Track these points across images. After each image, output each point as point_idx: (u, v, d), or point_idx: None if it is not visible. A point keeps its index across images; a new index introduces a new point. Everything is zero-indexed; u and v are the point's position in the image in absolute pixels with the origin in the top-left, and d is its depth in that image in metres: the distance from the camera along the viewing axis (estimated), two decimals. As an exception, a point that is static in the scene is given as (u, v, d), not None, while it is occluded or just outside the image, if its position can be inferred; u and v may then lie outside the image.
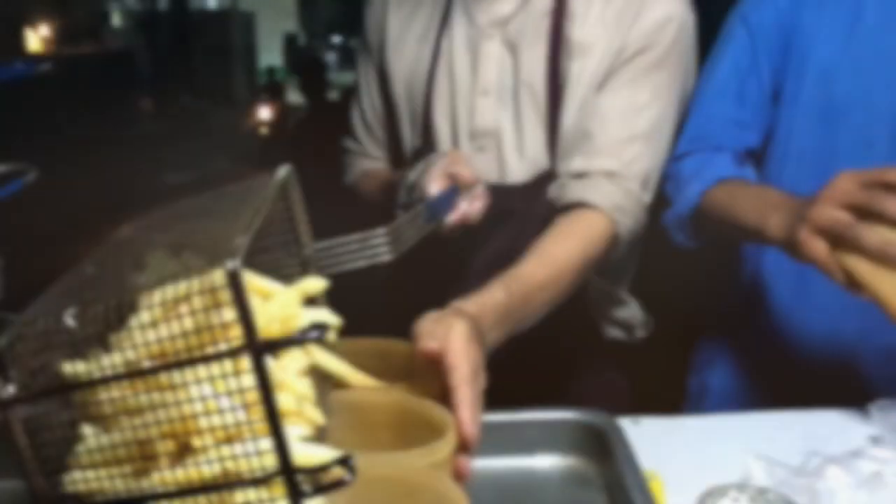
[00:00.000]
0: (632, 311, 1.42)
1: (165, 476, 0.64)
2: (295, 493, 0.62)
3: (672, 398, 1.54)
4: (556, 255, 1.14)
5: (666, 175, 1.34)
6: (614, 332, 1.42)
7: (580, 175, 1.24)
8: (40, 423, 0.67)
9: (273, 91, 8.70)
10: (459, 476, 0.83)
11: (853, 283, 1.04)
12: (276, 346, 0.62)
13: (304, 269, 0.97)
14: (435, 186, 1.18)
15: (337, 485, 0.63)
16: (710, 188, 1.29)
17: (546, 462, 1.08)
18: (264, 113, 7.86)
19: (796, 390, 1.34)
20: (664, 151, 1.30)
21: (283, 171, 0.88)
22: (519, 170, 1.29)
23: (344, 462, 0.63)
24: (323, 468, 0.63)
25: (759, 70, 1.34)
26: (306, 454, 0.65)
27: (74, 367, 0.66)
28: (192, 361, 0.64)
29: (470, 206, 1.21)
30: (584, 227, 1.20)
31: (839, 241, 1.04)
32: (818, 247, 1.05)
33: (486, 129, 1.30)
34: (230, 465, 0.63)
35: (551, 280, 1.12)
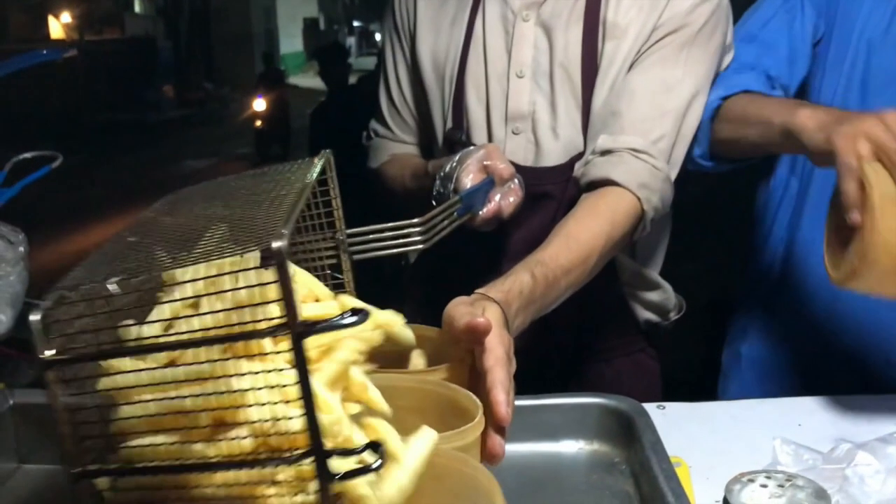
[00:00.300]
0: (665, 293, 1.41)
1: (205, 449, 0.65)
2: (324, 475, 0.63)
3: (703, 382, 1.54)
4: (580, 238, 1.12)
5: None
6: (647, 315, 1.40)
7: (606, 153, 1.22)
8: (77, 389, 0.68)
9: (272, 78, 8.37)
10: (494, 457, 0.83)
11: (853, 204, 1.02)
12: (316, 327, 0.62)
13: (337, 252, 0.97)
14: (470, 179, 1.18)
15: (366, 470, 0.63)
16: (734, 94, 1.27)
17: (572, 447, 1.08)
18: (258, 105, 7.61)
19: (828, 363, 1.33)
20: (693, 127, 1.27)
21: (322, 156, 0.89)
22: (554, 152, 1.28)
23: (374, 447, 0.63)
24: (354, 452, 0.63)
25: (804, 16, 1.33)
26: (339, 437, 0.65)
27: (131, 332, 0.67)
28: (232, 338, 0.64)
29: (504, 200, 1.20)
30: (610, 206, 1.17)
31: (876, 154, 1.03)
32: (861, 146, 1.03)
33: (520, 112, 1.29)
34: (266, 442, 0.64)
35: (576, 264, 1.10)
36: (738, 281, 1.55)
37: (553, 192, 1.27)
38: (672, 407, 1.17)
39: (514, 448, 1.06)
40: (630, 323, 1.40)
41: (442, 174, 1.21)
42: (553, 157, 1.29)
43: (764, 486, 0.76)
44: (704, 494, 0.98)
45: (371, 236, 1.01)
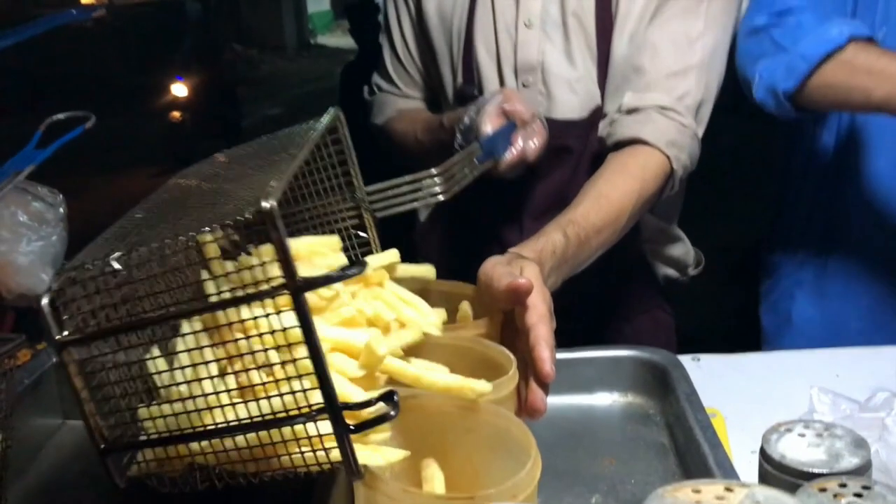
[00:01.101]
0: (685, 247, 1.39)
1: (225, 412, 0.66)
2: (340, 428, 0.63)
3: (736, 335, 1.53)
4: (611, 198, 1.11)
5: (744, 50, 1.28)
6: (666, 271, 1.39)
7: (632, 111, 1.20)
8: (95, 365, 0.69)
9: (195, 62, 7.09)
10: (536, 412, 0.84)
11: None
12: (315, 284, 0.62)
13: (358, 211, 0.97)
14: (490, 124, 1.16)
15: (381, 419, 0.62)
16: (841, 46, 1.19)
17: (606, 399, 1.09)
18: (179, 90, 6.07)
19: (874, 323, 1.32)
20: (718, 82, 1.24)
21: (329, 113, 0.88)
22: (569, 105, 1.26)
23: (388, 398, 0.63)
24: (368, 404, 0.63)
25: None
26: (351, 391, 0.66)
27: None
28: (235, 302, 0.65)
29: (527, 143, 1.18)
30: (639, 165, 1.16)
31: None
32: None
33: (529, 64, 1.26)
34: (283, 402, 0.64)
35: (607, 223, 1.10)
36: (770, 241, 1.52)
37: (573, 146, 1.25)
38: (707, 359, 1.16)
39: (549, 401, 1.07)
40: (650, 280, 1.39)
41: (462, 126, 1.19)
42: (567, 109, 1.26)
43: (802, 435, 0.76)
44: (740, 445, 0.98)
45: (390, 192, 0.99)
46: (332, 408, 0.63)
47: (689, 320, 1.52)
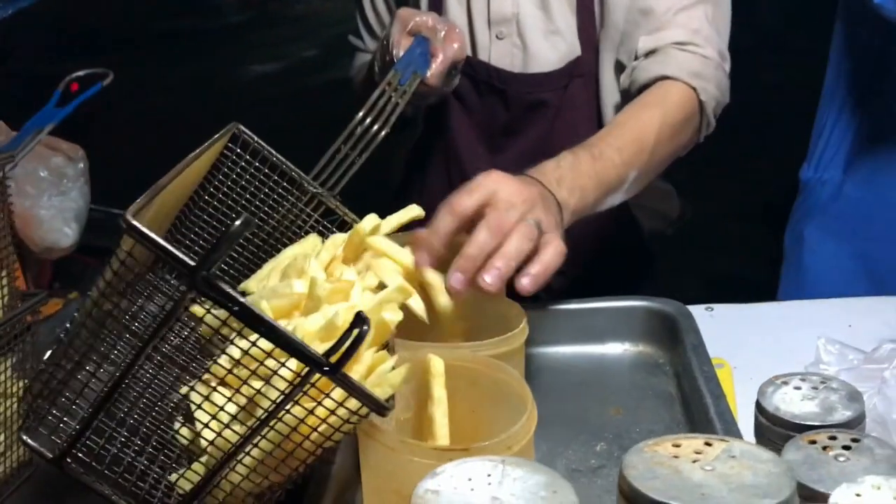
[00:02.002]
0: (671, 200, 1.38)
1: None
2: (329, 371, 0.61)
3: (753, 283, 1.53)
4: (629, 124, 1.08)
5: None
6: (653, 224, 1.37)
7: (649, 53, 1.16)
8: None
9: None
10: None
11: None
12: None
13: (319, 201, 0.96)
14: (399, 47, 1.14)
15: (357, 341, 0.61)
16: None
17: (617, 349, 1.10)
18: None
19: None
20: (727, 14, 1.20)
21: (224, 132, 0.88)
22: (546, 58, 1.23)
23: (357, 322, 0.61)
24: (342, 340, 0.61)
25: None
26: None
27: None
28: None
29: (447, 48, 1.14)
30: (659, 95, 1.12)
31: None
32: None
33: (503, 15, 1.23)
34: (274, 388, 0.66)
35: (628, 141, 1.05)
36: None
37: (550, 99, 1.23)
38: (720, 309, 1.17)
39: (560, 350, 1.09)
40: (633, 232, 1.36)
41: (379, 63, 1.16)
42: (543, 62, 1.23)
43: (798, 388, 0.77)
44: (746, 395, 0.97)
45: (334, 164, 0.97)
46: (310, 360, 0.62)
47: (718, 267, 1.52)
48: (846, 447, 0.66)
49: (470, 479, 0.57)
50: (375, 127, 1.01)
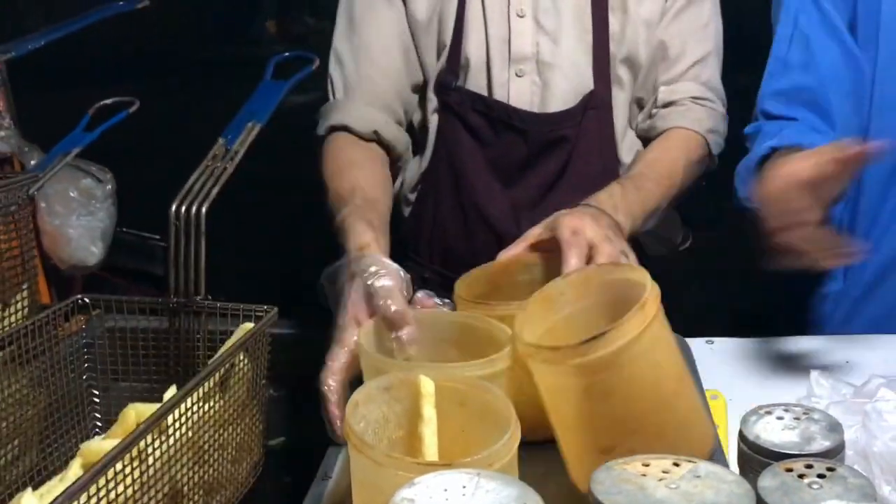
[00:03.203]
0: (676, 225, 1.41)
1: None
2: None
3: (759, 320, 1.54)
4: (662, 159, 1.22)
5: (752, 130, 1.30)
6: (656, 249, 1.39)
7: (668, 104, 1.29)
8: None
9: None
10: None
11: None
12: None
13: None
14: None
15: None
16: (765, 157, 1.19)
17: (616, 377, 1.12)
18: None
19: None
20: (721, 58, 1.32)
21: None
22: (564, 95, 1.27)
23: None
24: None
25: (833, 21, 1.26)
26: None
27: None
28: None
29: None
30: (682, 138, 1.26)
31: None
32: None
33: (524, 54, 1.26)
34: None
35: (663, 175, 1.19)
36: None
37: (568, 134, 1.28)
38: (720, 342, 1.19)
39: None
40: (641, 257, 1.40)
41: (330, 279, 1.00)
42: (561, 98, 1.27)
43: (780, 418, 0.78)
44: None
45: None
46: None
47: (724, 299, 1.52)
48: (821, 475, 0.68)
49: (445, 490, 0.60)
50: (193, 209, 0.96)
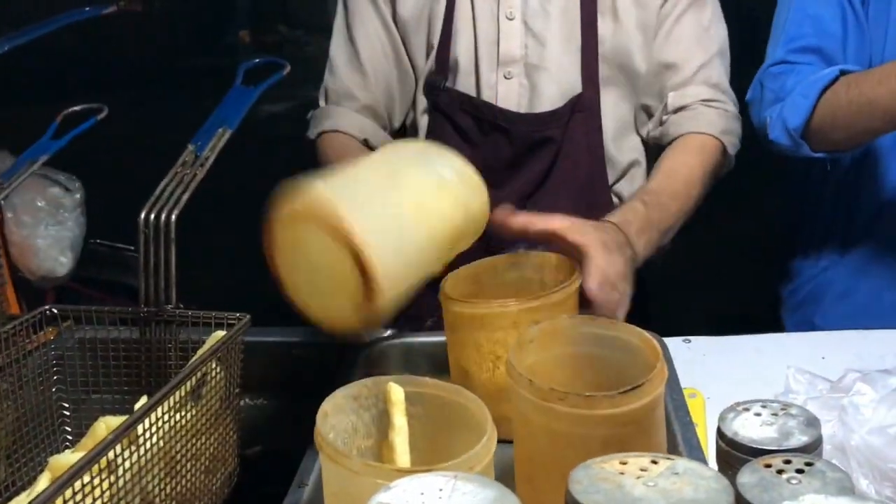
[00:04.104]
0: None
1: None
2: None
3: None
4: (680, 171, 1.22)
5: (762, 79, 1.34)
6: None
7: (679, 109, 1.29)
8: None
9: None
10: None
11: None
12: None
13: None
14: None
15: None
16: (834, 79, 1.25)
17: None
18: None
19: None
20: (728, 56, 1.32)
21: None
22: (551, 97, 1.28)
23: None
24: None
25: None
26: None
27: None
28: None
29: None
30: (698, 144, 1.26)
31: None
32: None
33: (512, 56, 1.28)
34: None
35: (681, 191, 1.19)
36: (791, 246, 1.51)
37: (554, 135, 1.28)
38: (697, 340, 1.19)
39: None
40: None
41: None
42: (548, 101, 1.28)
43: (758, 414, 0.78)
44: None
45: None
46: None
47: (705, 300, 1.53)
48: (800, 471, 0.68)
49: (422, 494, 0.59)
50: (163, 217, 0.94)
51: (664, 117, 1.30)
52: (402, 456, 0.75)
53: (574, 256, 0.97)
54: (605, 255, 0.97)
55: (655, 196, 1.16)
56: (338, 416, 0.76)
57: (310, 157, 1.34)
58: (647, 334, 0.82)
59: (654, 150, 1.33)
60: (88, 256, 1.61)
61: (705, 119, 1.27)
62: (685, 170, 1.22)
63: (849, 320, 1.40)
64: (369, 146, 1.30)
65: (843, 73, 1.26)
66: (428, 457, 0.77)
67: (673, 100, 1.29)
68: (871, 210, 1.39)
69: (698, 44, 1.29)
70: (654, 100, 1.31)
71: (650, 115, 1.32)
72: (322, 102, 1.38)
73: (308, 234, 0.77)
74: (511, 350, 0.80)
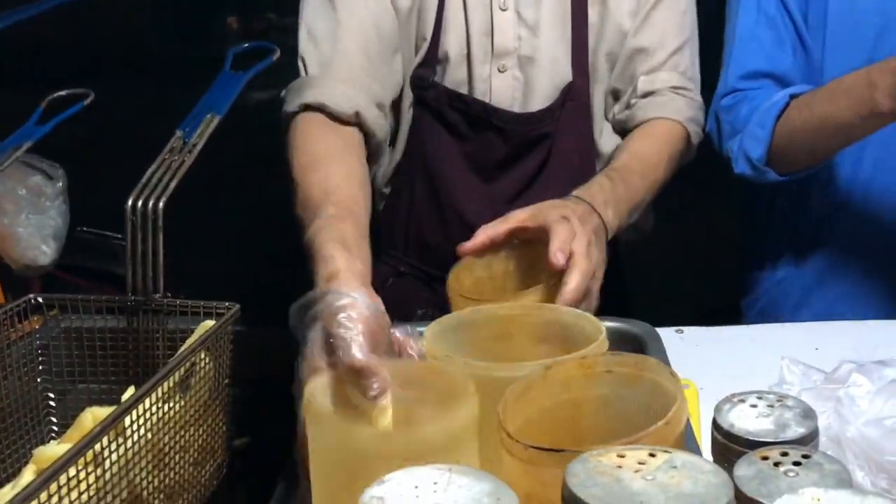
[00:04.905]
0: (648, 213, 1.40)
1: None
2: None
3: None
4: (645, 151, 1.22)
5: (717, 111, 1.36)
6: (628, 236, 1.37)
7: (647, 94, 1.28)
8: None
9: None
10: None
11: None
12: None
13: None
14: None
15: None
16: (785, 106, 1.27)
17: (586, 369, 1.10)
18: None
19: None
20: (698, 45, 1.32)
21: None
22: (545, 88, 1.26)
23: None
24: None
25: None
26: None
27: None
28: None
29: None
30: (664, 129, 1.26)
31: None
32: None
33: (506, 48, 1.24)
34: None
35: (647, 169, 1.19)
36: (747, 259, 1.51)
37: (549, 131, 1.27)
38: (690, 331, 1.18)
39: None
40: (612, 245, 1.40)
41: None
42: (542, 94, 1.26)
43: (754, 406, 0.78)
44: (711, 415, 0.99)
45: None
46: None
47: (694, 290, 1.52)
48: (797, 463, 0.67)
49: (416, 487, 0.58)
50: (150, 204, 0.91)
51: (632, 101, 1.29)
52: (385, 418, 0.74)
53: (545, 241, 0.98)
54: (566, 225, 0.97)
55: (620, 172, 1.16)
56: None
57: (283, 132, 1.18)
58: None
59: (623, 135, 1.32)
60: (76, 245, 1.58)
61: (673, 106, 1.27)
62: (651, 152, 1.23)
63: None
64: (361, 122, 1.15)
65: (793, 96, 1.27)
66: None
67: (643, 84, 1.28)
68: (820, 221, 1.39)
69: (673, 30, 1.28)
70: (624, 83, 1.30)
71: (617, 99, 1.31)
72: (303, 73, 1.22)
73: None
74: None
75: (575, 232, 0.96)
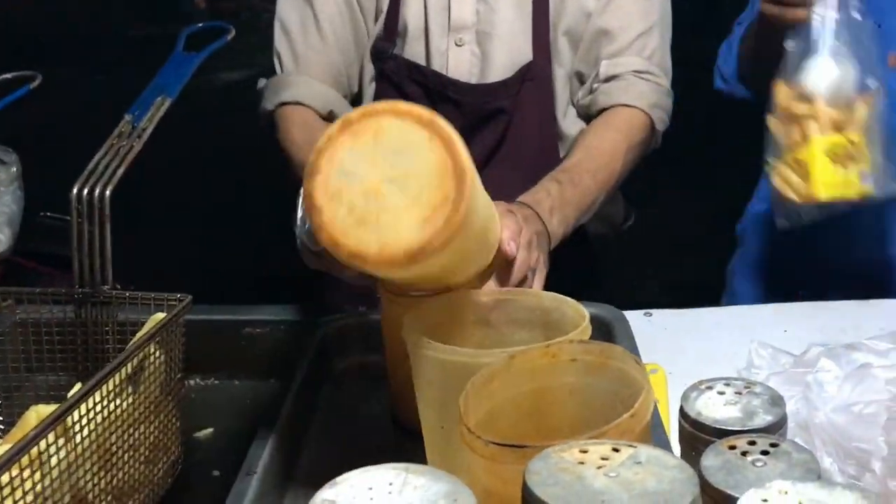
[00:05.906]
0: (618, 204, 1.39)
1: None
2: None
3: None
4: (601, 147, 1.18)
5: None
6: (598, 228, 1.39)
7: (610, 78, 1.24)
8: None
9: None
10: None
11: None
12: None
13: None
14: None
15: None
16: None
17: (553, 354, 1.09)
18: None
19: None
20: (670, 31, 1.29)
21: None
22: (503, 64, 1.24)
23: None
24: None
25: None
26: None
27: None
28: None
29: None
30: (625, 120, 1.22)
31: None
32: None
33: (464, 22, 1.23)
34: None
35: (601, 165, 1.16)
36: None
37: (505, 107, 1.25)
38: (659, 314, 1.17)
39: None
40: (580, 235, 1.37)
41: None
42: (500, 69, 1.24)
43: (721, 393, 0.76)
44: (679, 400, 0.98)
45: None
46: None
47: (665, 272, 1.52)
48: (765, 452, 0.66)
49: (370, 489, 0.55)
50: (97, 192, 0.88)
51: (595, 85, 1.25)
52: None
53: None
54: (513, 217, 0.94)
55: (570, 174, 1.12)
56: None
57: (266, 128, 1.25)
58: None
59: (587, 120, 1.29)
60: (35, 230, 1.54)
61: (636, 90, 1.23)
62: (608, 145, 1.19)
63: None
64: (332, 119, 1.20)
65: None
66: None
67: (605, 68, 1.24)
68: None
69: (639, 13, 1.25)
70: (588, 67, 1.27)
71: (582, 83, 1.29)
72: (278, 69, 1.29)
73: (384, 136, 0.75)
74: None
75: (521, 225, 0.94)
